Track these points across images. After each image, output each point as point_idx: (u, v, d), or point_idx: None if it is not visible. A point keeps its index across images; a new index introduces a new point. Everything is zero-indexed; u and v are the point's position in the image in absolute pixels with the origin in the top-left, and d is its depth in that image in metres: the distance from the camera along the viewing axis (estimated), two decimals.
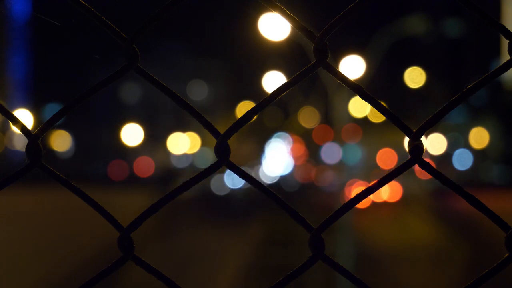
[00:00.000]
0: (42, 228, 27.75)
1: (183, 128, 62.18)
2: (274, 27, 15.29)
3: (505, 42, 1.44)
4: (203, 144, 62.12)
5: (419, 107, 61.29)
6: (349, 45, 20.88)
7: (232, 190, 48.71)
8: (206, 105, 65.86)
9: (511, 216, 2.40)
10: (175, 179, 54.23)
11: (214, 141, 1.46)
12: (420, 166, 1.45)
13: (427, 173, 1.47)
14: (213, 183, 48.38)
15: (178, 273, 17.70)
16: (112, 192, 40.91)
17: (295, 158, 59.20)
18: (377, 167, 55.61)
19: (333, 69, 1.45)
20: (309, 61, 1.46)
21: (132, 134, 58.26)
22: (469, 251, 22.11)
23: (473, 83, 1.44)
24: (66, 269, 18.98)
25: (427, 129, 1.46)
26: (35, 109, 57.63)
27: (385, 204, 38.76)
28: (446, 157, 60.07)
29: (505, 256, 1.46)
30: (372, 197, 31.85)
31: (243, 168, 1.49)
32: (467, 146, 63.02)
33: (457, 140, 62.80)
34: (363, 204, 26.50)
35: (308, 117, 53.48)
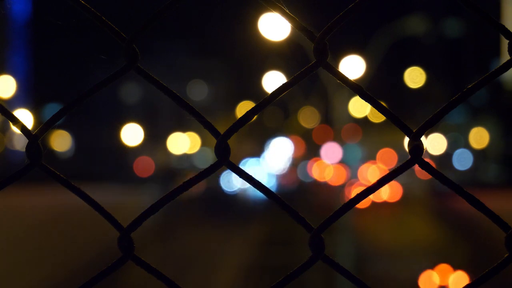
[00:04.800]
0: (42, 228, 27.75)
1: (183, 128, 62.18)
2: (274, 27, 15.29)
3: (505, 42, 1.44)
4: (203, 144, 62.12)
5: (419, 107, 61.29)
6: (349, 45, 20.89)
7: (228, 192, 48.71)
8: (206, 105, 65.85)
9: (511, 216, 2.40)
10: (175, 179, 54.22)
11: (214, 141, 1.46)
12: (420, 166, 1.45)
13: (427, 173, 1.47)
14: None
15: (178, 273, 17.70)
16: (112, 192, 40.92)
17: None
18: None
19: (333, 69, 1.45)
20: (309, 61, 1.46)
21: (132, 134, 58.25)
22: (469, 251, 22.10)
23: (473, 83, 1.44)
24: (66, 269, 18.98)
25: (427, 129, 1.46)
26: (35, 109, 57.61)
27: (385, 204, 38.75)
28: (446, 157, 60.06)
29: (505, 256, 1.46)
30: (372, 197, 31.85)
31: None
32: (467, 146, 63.02)
33: (457, 140, 62.80)
34: (363, 204, 26.50)
35: (308, 117, 53.48)
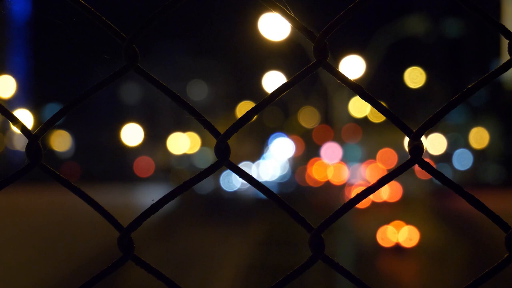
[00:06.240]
0: (42, 228, 27.75)
1: (183, 128, 62.20)
2: (274, 27, 15.29)
3: (505, 42, 1.44)
4: (203, 144, 62.15)
5: (419, 107, 61.30)
6: (349, 45, 20.90)
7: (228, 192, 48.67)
8: (206, 105, 65.86)
9: (511, 216, 2.40)
10: (174, 179, 54.25)
11: (214, 141, 1.46)
12: (420, 166, 1.45)
13: (427, 173, 1.47)
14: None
15: (178, 273, 17.71)
16: (112, 192, 40.93)
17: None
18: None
19: (333, 69, 1.45)
20: (309, 61, 1.46)
21: (132, 134, 58.27)
22: (469, 251, 22.11)
23: (473, 83, 1.44)
24: (66, 269, 18.98)
25: (427, 129, 1.46)
26: (35, 109, 57.63)
27: (385, 204, 38.74)
28: (446, 157, 60.07)
29: (505, 256, 1.46)
30: (372, 197, 31.85)
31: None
32: (467, 146, 63.03)
33: (457, 140, 62.81)
34: (363, 204, 26.50)
35: (308, 117, 53.49)
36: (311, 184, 52.34)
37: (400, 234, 22.13)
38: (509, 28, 1.43)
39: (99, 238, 19.81)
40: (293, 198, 38.52)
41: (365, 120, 47.44)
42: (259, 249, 22.83)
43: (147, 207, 1.48)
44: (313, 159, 53.09)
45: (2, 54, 63.50)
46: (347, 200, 1.46)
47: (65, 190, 1.49)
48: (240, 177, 1.47)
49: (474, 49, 65.40)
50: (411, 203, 39.91)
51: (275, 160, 59.98)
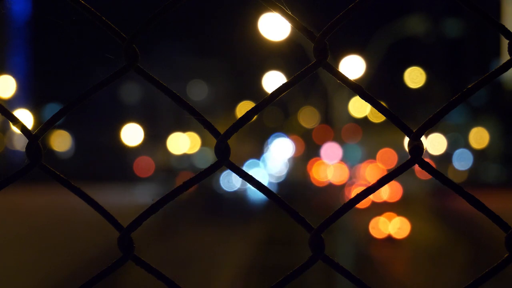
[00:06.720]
0: (42, 228, 27.74)
1: (183, 128, 62.17)
2: (274, 27, 15.30)
3: (505, 42, 1.44)
4: (203, 144, 62.13)
5: (419, 107, 61.28)
6: (349, 45, 20.89)
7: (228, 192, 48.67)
8: (206, 105, 65.84)
9: (511, 216, 2.40)
10: (175, 179, 54.23)
11: (214, 141, 1.46)
12: (420, 166, 1.45)
13: (427, 173, 1.47)
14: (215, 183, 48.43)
15: (178, 273, 17.70)
16: (112, 192, 40.93)
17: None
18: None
19: (333, 69, 1.45)
20: (309, 61, 1.46)
21: (132, 134, 58.22)
22: (469, 251, 22.12)
23: (473, 83, 1.44)
24: (66, 270, 18.98)
25: (427, 129, 1.46)
26: (35, 109, 57.61)
27: (385, 204, 38.73)
28: (446, 157, 60.05)
29: (505, 256, 1.46)
30: (372, 197, 31.85)
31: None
32: (467, 146, 63.02)
33: (457, 140, 62.79)
34: (363, 204, 26.49)
35: (308, 117, 53.46)
36: (315, 184, 52.37)
37: (392, 225, 22.47)
38: (509, 28, 1.43)
39: (99, 238, 19.80)
40: (293, 198, 38.50)
41: (365, 120, 47.46)
42: (259, 249, 22.83)
43: (147, 207, 1.48)
44: (313, 159, 53.08)
45: (2, 54, 63.48)
46: (347, 200, 1.46)
47: (65, 190, 1.49)
48: (240, 177, 1.47)
49: (474, 49, 65.40)
50: (411, 203, 39.92)
51: (274, 160, 59.98)
